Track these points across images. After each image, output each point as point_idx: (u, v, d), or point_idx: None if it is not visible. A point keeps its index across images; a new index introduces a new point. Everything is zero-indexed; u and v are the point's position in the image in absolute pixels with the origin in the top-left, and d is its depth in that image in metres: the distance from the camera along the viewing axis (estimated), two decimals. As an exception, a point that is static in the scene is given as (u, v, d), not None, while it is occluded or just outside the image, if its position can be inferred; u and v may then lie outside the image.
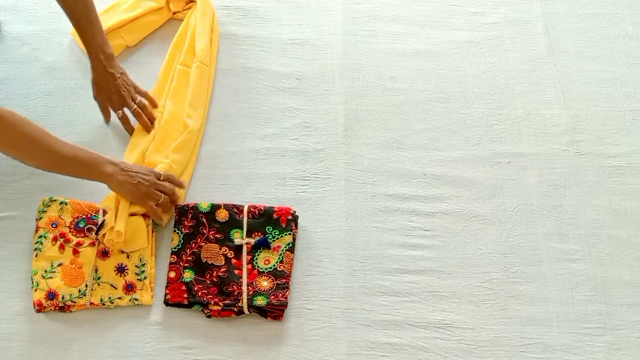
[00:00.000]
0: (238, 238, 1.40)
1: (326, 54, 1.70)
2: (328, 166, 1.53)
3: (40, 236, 1.36)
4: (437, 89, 1.66)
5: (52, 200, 1.40)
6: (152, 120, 1.54)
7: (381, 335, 1.32)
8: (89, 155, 1.35)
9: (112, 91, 1.52)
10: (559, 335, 1.34)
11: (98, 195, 1.44)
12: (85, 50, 1.54)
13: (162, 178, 1.41)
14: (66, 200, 1.41)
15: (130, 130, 1.54)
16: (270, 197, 1.48)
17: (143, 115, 1.54)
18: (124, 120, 1.54)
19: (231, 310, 1.31)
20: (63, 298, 1.30)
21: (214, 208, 1.42)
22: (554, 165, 1.56)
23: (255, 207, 1.43)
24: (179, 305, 1.33)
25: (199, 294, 1.32)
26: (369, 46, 1.73)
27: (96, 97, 1.54)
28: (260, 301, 1.32)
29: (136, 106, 1.53)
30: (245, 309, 1.31)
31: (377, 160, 1.54)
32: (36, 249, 1.35)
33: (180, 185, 1.44)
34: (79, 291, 1.31)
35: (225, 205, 1.43)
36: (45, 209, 1.39)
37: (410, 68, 1.69)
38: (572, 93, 1.67)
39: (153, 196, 1.38)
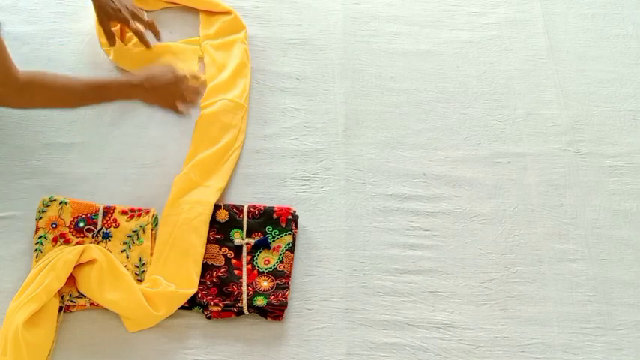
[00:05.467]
0: (238, 238, 1.40)
1: (326, 54, 1.70)
2: (328, 166, 1.53)
3: (40, 237, 1.36)
4: (437, 89, 1.66)
5: (52, 200, 1.40)
6: (157, 36, 1.61)
7: (381, 335, 1.32)
8: (110, 79, 1.42)
9: (116, 9, 1.55)
10: (559, 335, 1.34)
11: (98, 195, 1.44)
12: None
13: (187, 78, 1.45)
14: (66, 200, 1.40)
15: (147, 44, 1.58)
16: (270, 197, 1.47)
17: (147, 31, 1.59)
18: (138, 34, 1.57)
19: (231, 311, 1.31)
20: (63, 298, 1.30)
21: (214, 208, 1.42)
22: (554, 165, 1.56)
23: (255, 207, 1.43)
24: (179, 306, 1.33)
25: (199, 295, 1.32)
26: (369, 46, 1.72)
27: (100, 23, 1.57)
28: (260, 301, 1.32)
29: (141, 24, 1.58)
30: (245, 309, 1.31)
31: (377, 160, 1.54)
32: (36, 249, 1.35)
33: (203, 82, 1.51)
34: (79, 291, 1.31)
35: (225, 205, 1.43)
36: (45, 209, 1.39)
37: (410, 68, 1.69)
38: (572, 93, 1.67)
39: (180, 99, 1.44)
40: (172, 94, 1.43)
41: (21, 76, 1.32)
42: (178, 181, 1.44)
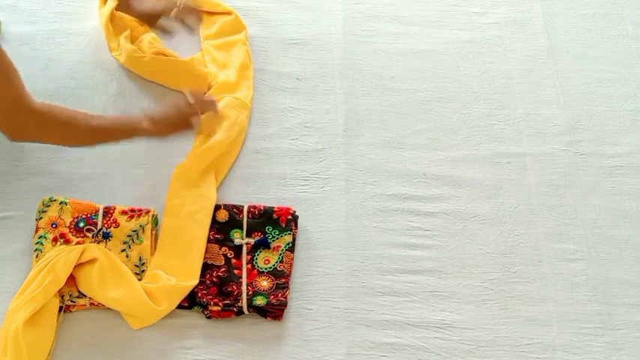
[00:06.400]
0: (238, 238, 1.40)
1: (326, 54, 1.70)
2: (328, 166, 1.53)
3: (40, 237, 1.36)
4: (437, 89, 1.66)
5: (52, 200, 1.40)
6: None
7: (381, 335, 1.32)
8: (122, 121, 1.43)
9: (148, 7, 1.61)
10: (559, 335, 1.34)
11: (98, 195, 1.44)
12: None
13: (192, 101, 1.45)
14: (66, 200, 1.40)
15: (200, 16, 1.65)
16: (270, 197, 1.47)
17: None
18: (185, 9, 1.62)
19: (230, 311, 1.31)
20: (63, 298, 1.30)
21: (214, 208, 1.42)
22: (554, 165, 1.56)
23: (255, 207, 1.43)
24: (179, 306, 1.32)
25: (199, 295, 1.32)
26: (369, 46, 1.73)
27: (151, 26, 1.63)
28: (260, 300, 1.32)
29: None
30: (245, 309, 1.31)
31: (377, 160, 1.54)
32: (36, 249, 1.35)
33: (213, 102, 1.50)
34: (79, 291, 1.31)
35: (225, 205, 1.43)
36: (45, 209, 1.39)
37: (410, 68, 1.69)
38: (572, 93, 1.67)
39: (190, 127, 1.45)
40: (175, 123, 1.43)
41: (36, 105, 1.28)
42: (179, 170, 1.46)
